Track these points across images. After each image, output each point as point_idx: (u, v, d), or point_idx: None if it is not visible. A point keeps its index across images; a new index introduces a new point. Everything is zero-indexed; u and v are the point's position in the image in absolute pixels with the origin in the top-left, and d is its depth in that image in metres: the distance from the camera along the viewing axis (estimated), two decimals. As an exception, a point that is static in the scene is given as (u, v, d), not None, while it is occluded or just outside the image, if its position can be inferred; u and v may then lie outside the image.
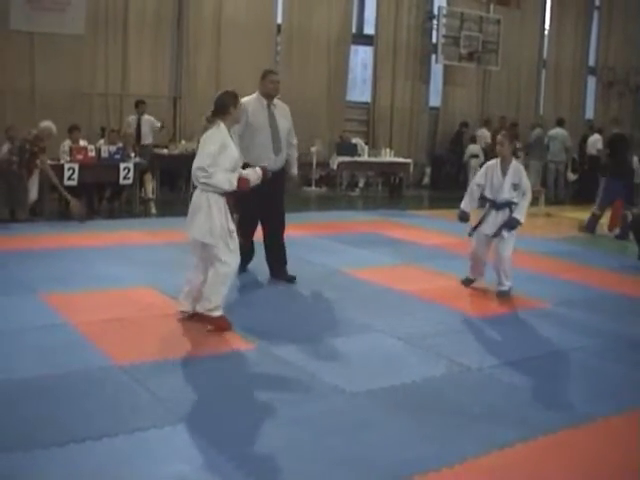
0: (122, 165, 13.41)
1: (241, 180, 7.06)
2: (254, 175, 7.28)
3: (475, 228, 8.90)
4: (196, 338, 6.84)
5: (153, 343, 6.65)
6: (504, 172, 8.62)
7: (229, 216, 7.05)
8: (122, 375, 5.83)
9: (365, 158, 19.01)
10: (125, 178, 13.48)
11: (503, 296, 8.73)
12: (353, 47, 20.72)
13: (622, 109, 26.43)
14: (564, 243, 12.72)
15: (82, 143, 13.70)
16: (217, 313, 7.06)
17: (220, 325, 7.04)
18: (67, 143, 13.53)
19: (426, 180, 21.65)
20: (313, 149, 18.51)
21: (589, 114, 25.74)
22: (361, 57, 21.61)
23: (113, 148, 13.69)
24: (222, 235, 7.02)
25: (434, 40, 21.44)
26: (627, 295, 9.31)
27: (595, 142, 20.67)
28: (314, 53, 19.49)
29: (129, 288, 8.37)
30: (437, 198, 19.42)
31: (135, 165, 13.66)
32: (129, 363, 6.07)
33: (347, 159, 18.52)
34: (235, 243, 7.10)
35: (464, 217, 8.92)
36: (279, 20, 19.17)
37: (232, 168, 7.02)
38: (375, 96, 21.02)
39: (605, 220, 14.20)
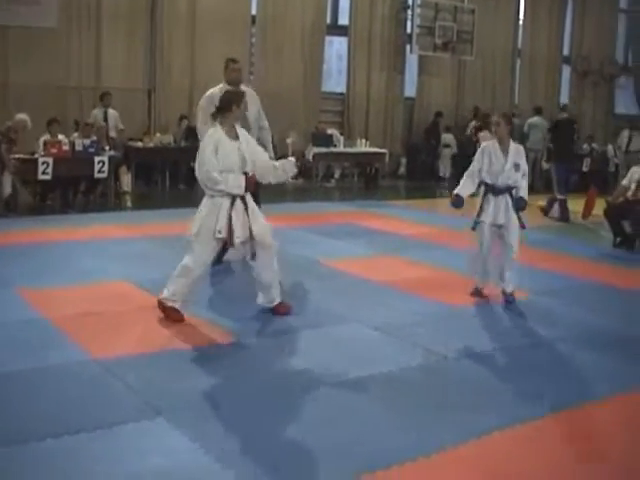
0: (97, 158, 13.34)
1: (249, 179, 7.05)
2: (289, 165, 7.38)
3: (478, 219, 8.22)
4: (173, 331, 6.82)
5: (130, 337, 6.63)
6: (505, 153, 8.16)
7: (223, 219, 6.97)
8: (99, 369, 5.82)
9: (341, 149, 18.98)
10: (100, 171, 13.41)
11: (509, 297, 8.28)
12: (328, 38, 20.68)
13: (596, 98, 26.55)
14: (539, 232, 12.75)
15: (60, 137, 13.62)
16: (170, 303, 7.08)
17: (170, 315, 7.07)
18: (45, 137, 13.42)
19: (402, 170, 21.66)
20: (289, 140, 18.47)
21: (563, 103, 25.79)
22: (336, 48, 21.57)
23: (87, 141, 13.62)
24: (200, 236, 7.06)
25: (409, 30, 21.42)
26: (603, 283, 9.36)
27: None
28: (289, 44, 19.44)
29: (105, 282, 8.34)
30: (413, 188, 19.46)
31: (110, 158, 13.60)
32: (106, 357, 6.05)
33: (323, 150, 18.48)
34: (211, 247, 7.13)
35: (458, 203, 8.21)
36: (253, 11, 19.11)
37: (227, 168, 6.94)
38: (350, 87, 21.00)
39: (579, 208, 14.26)
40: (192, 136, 16.61)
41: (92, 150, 13.53)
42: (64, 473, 4.29)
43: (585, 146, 21.64)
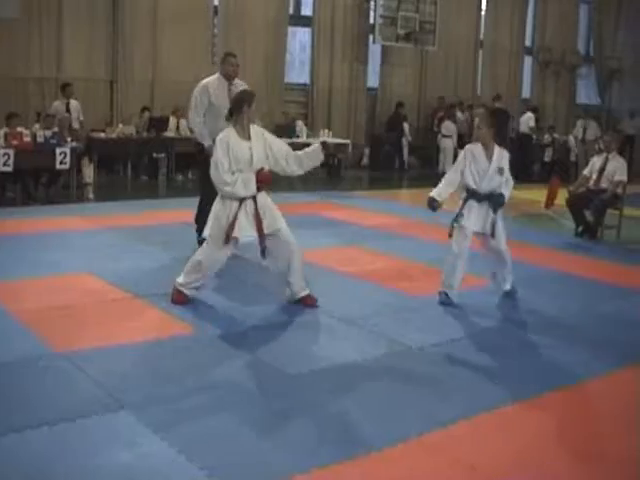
0: (58, 150, 13.22)
1: (262, 175, 7.16)
2: (315, 152, 7.53)
3: (456, 221, 7.86)
4: (136, 323, 6.81)
5: (93, 329, 6.60)
6: (489, 157, 7.82)
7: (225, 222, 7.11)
8: (63, 362, 5.79)
9: (304, 139, 18.94)
10: (62, 163, 13.29)
11: (512, 292, 8.20)
12: (291, 29, 20.62)
13: (558, 89, 26.72)
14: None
15: (19, 129, 13.49)
16: (180, 288, 7.37)
17: (174, 297, 7.37)
18: (4, 130, 13.29)
19: (365, 161, 21.67)
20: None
21: (526, 93, 25.95)
22: (299, 39, 21.52)
23: (49, 133, 13.51)
24: (213, 236, 7.20)
25: (371, 21, 21.40)
26: (565, 272, 9.44)
27: (527, 120, 20.94)
28: (252, 35, 19.34)
29: (68, 275, 8.28)
30: (376, 178, 19.48)
31: (72, 150, 13.50)
32: (69, 350, 6.02)
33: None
34: (212, 250, 7.25)
35: (434, 206, 7.87)
36: (216, 2, 19.02)
37: (239, 169, 7.04)
38: (314, 77, 20.97)
39: (542, 198, 14.35)
40: (154, 127, 16.63)
41: (54, 142, 13.42)
42: (26, 467, 4.25)
43: (547, 136, 21.77)
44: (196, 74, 18.16)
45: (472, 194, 7.84)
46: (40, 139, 13.38)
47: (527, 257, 9.87)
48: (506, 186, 7.93)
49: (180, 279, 7.38)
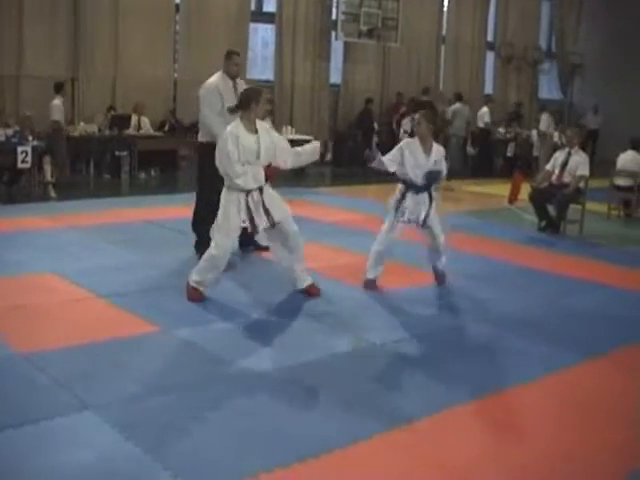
0: (20, 148, 13.12)
1: (269, 169, 7.41)
2: (311, 149, 7.91)
3: (390, 214, 8.17)
4: (100, 323, 6.77)
5: (56, 330, 6.55)
6: (427, 152, 8.04)
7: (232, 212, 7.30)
8: (24, 363, 5.73)
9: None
10: (23, 162, 13.20)
11: (442, 276, 8.50)
12: (253, 25, 20.54)
13: (520, 84, 26.86)
14: (465, 217, 12.89)
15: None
16: (195, 286, 7.51)
17: (190, 294, 7.52)
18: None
19: (328, 157, 21.67)
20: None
21: (488, 89, 26.05)
22: (261, 35, 21.45)
23: (10, 131, 13.41)
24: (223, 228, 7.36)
25: (334, 17, 21.38)
26: (528, 267, 9.48)
27: (483, 115, 21.05)
28: (213, 32, 19.22)
29: (31, 274, 8.20)
30: (339, 175, 19.49)
31: (33, 148, 13.40)
32: (32, 351, 5.97)
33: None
34: (223, 239, 7.37)
35: (369, 158, 7.96)
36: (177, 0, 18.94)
37: (247, 161, 7.22)
38: (277, 74, 20.91)
39: (505, 193, 14.42)
40: (116, 125, 16.52)
41: (15, 140, 13.33)
42: (-10, 470, 4.22)
43: (509, 129, 21.91)
44: (158, 71, 18.19)
45: (411, 186, 8.09)
46: (1, 138, 13.28)
47: (490, 252, 9.92)
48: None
49: (195, 277, 7.51)
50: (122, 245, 9.66)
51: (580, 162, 12.07)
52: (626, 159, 14.11)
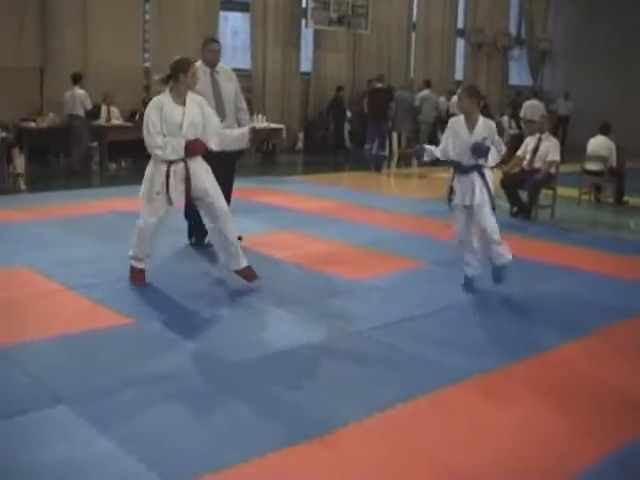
0: (-16, 140, 13.04)
1: (191, 143, 7.27)
2: (239, 135, 7.71)
3: (450, 199, 7.81)
4: (72, 316, 6.73)
5: (28, 323, 6.50)
6: (471, 128, 7.62)
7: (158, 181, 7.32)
8: (-5, 357, 5.69)
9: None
10: (-11, 153, 13.11)
11: (499, 270, 7.94)
12: (223, 13, 20.45)
13: (491, 70, 26.93)
14: (437, 203, 12.88)
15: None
16: (134, 263, 7.65)
17: (133, 276, 7.66)
18: None
19: (299, 145, 21.65)
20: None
21: (459, 75, 26.10)
22: (231, 24, 21.35)
23: (-23, 123, 13.33)
24: (146, 196, 7.46)
25: (304, 4, 21.33)
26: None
27: (455, 103, 21.12)
28: (183, 20, 19.10)
29: (1, 268, 8.14)
30: (311, 163, 19.47)
31: (1, 140, 13.29)
32: (3, 345, 5.91)
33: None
34: (155, 206, 7.41)
35: (419, 153, 7.84)
36: (146, -12, 18.83)
37: (170, 132, 7.20)
38: (253, 62, 20.81)
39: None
40: (86, 116, 16.36)
41: (-18, 132, 13.24)
42: (-38, 466, 4.18)
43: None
44: (128, 61, 18.05)
45: (457, 167, 7.77)
46: (-34, 129, 13.20)
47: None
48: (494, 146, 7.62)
49: (130, 252, 7.60)
50: (93, 236, 9.60)
51: (551, 147, 12.15)
52: (596, 144, 14.17)
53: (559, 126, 24.26)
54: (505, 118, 22.31)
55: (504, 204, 12.44)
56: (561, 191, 12.69)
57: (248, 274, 7.68)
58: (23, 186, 13.54)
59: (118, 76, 16.95)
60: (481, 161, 7.58)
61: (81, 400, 5.02)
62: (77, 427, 4.66)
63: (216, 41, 9.40)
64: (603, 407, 5.33)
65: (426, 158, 7.86)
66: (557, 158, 12.14)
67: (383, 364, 5.90)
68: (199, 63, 8.95)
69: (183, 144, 7.19)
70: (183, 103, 7.26)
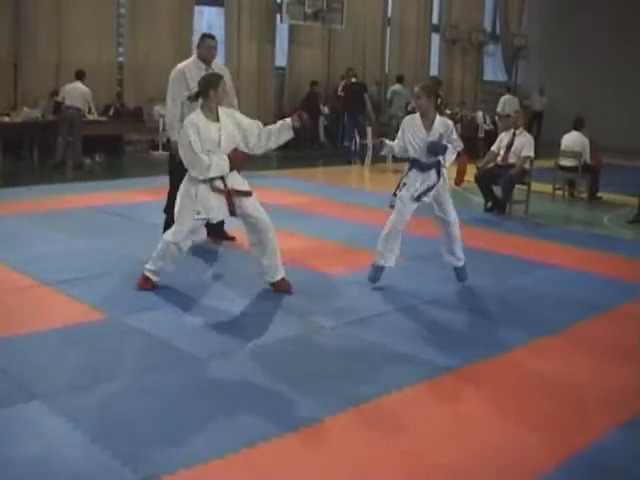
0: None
1: (233, 155, 7.16)
2: (284, 129, 7.52)
3: (395, 194, 7.83)
4: (46, 311, 6.70)
5: (1, 319, 6.45)
6: (428, 127, 7.68)
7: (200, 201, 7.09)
8: (-33, 354, 5.66)
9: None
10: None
11: (462, 273, 8.14)
12: (198, 8, 20.37)
13: (466, 66, 27.02)
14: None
15: None
16: (148, 274, 7.36)
17: (141, 282, 7.38)
18: None
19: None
20: (155, 111, 18.20)
21: (434, 71, 26.15)
22: (207, 19, 21.30)
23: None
24: (183, 216, 7.19)
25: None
26: (475, 247, 9.50)
27: None
28: (158, 15, 19.03)
29: (-27, 262, 8.10)
30: (286, 158, 19.42)
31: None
32: (-25, 340, 5.89)
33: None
34: (193, 227, 7.23)
35: (379, 147, 8.03)
36: (121, -17, 18.73)
37: (210, 150, 7.01)
38: (227, 57, 20.75)
39: (452, 175, 14.46)
40: (60, 111, 16.28)
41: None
42: None
43: (456, 111, 22.05)
44: (102, 55, 17.98)
45: (416, 164, 7.78)
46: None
47: (437, 233, 9.95)
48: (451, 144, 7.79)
49: (150, 265, 7.34)
50: (67, 231, 9.55)
51: (525, 143, 12.20)
52: (570, 140, 14.25)
53: (533, 122, 24.38)
54: (480, 113, 22.39)
55: (479, 200, 12.50)
56: (535, 186, 12.74)
57: (284, 286, 7.54)
58: (-4, 181, 13.47)
59: (92, 71, 16.84)
60: (437, 159, 7.69)
61: (55, 396, 5.00)
62: (51, 423, 4.64)
63: (212, 37, 9.22)
64: (572, 401, 5.38)
65: (383, 152, 8.11)
66: (531, 153, 12.19)
67: (358, 359, 5.91)
68: (193, 59, 8.95)
69: (226, 160, 7.06)
70: (217, 119, 7.10)
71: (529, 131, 13.52)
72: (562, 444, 4.71)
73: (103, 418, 4.74)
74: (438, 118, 7.77)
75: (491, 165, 12.47)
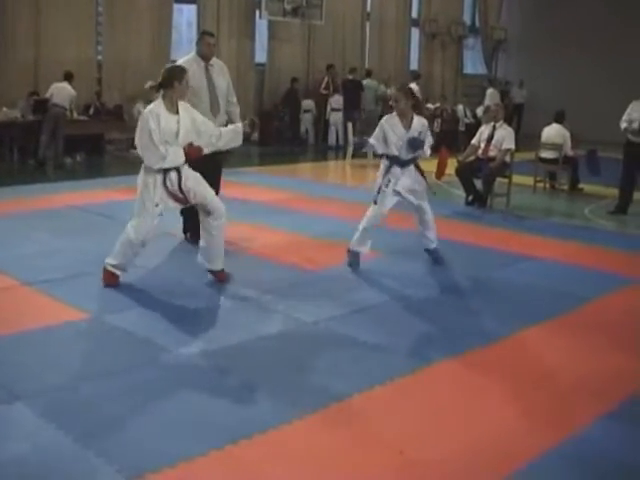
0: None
1: (189, 148, 7.20)
2: (235, 133, 7.69)
3: (379, 191, 8.19)
4: (26, 312, 6.67)
5: (-18, 319, 6.44)
6: (407, 127, 8.15)
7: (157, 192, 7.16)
8: (-51, 355, 5.63)
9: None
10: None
11: (437, 254, 8.62)
12: (177, 6, 20.33)
13: (446, 59, 27.06)
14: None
15: None
16: (111, 269, 7.39)
17: (106, 278, 7.39)
18: None
19: (254, 136, 21.60)
20: (136, 111, 18.17)
21: (414, 65, 26.17)
22: (186, 16, 21.25)
23: None
24: (143, 209, 7.21)
25: (258, -4, 21.29)
26: (457, 241, 9.56)
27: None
28: (137, 13, 18.96)
29: (-46, 264, 8.06)
30: (266, 154, 19.45)
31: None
32: (-43, 342, 5.86)
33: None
34: (152, 219, 7.23)
35: (361, 145, 8.52)
36: (99, -19, 18.65)
37: (167, 141, 7.05)
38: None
39: (432, 169, 14.49)
40: (40, 110, 16.21)
41: None
42: None
43: (437, 105, 22.10)
44: (81, 54, 17.91)
45: (395, 161, 8.19)
46: None
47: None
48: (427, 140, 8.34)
49: (111, 260, 7.36)
50: (47, 231, 9.51)
51: (505, 136, 12.23)
52: (550, 132, 14.31)
53: (514, 114, 24.44)
54: (460, 107, 22.43)
55: (460, 193, 12.52)
56: (516, 179, 12.79)
57: (223, 277, 7.67)
58: (-24, 181, 13.39)
59: (71, 70, 16.77)
60: (418, 153, 8.24)
61: (37, 396, 4.98)
62: (34, 423, 4.62)
63: (212, 34, 9.34)
64: (557, 391, 5.40)
65: (365, 150, 8.56)
66: (512, 146, 12.22)
67: (339, 354, 5.92)
68: (192, 56, 8.95)
69: (181, 152, 7.13)
70: (176, 111, 7.14)
71: (509, 124, 13.53)
72: (547, 434, 4.73)
73: (86, 417, 4.72)
74: (416, 118, 8.27)
75: (472, 158, 12.50)
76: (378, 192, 8.19)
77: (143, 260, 7.73)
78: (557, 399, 5.28)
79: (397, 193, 8.20)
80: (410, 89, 8.53)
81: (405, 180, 8.21)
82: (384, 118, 8.35)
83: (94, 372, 5.43)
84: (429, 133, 8.38)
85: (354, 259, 8.30)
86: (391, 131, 8.12)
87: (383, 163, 8.28)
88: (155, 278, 7.64)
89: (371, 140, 8.28)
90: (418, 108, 8.50)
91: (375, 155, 8.35)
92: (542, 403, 5.21)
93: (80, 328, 6.32)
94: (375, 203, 8.21)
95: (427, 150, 8.32)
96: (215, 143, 7.51)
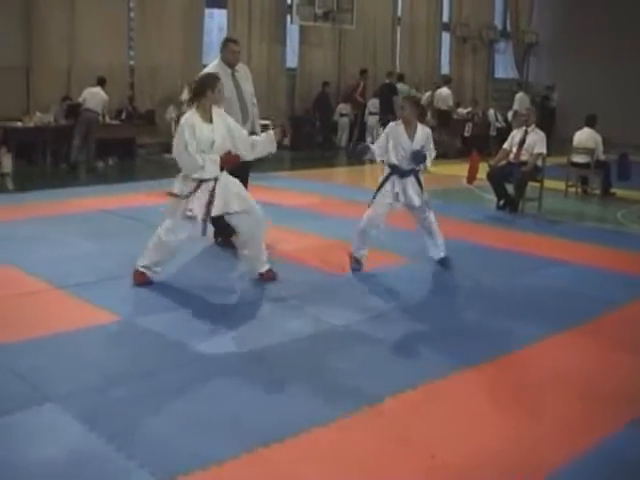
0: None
1: (226, 157, 7.27)
2: (268, 140, 7.70)
3: (375, 195, 8.27)
4: (58, 314, 6.72)
5: (15, 322, 6.48)
6: (411, 136, 8.16)
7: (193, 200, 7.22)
8: (-17, 357, 5.67)
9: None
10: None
11: (446, 263, 8.51)
12: (208, 10, 20.41)
13: (476, 63, 26.98)
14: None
15: None
16: (142, 270, 7.49)
17: (136, 278, 7.49)
18: None
19: (286, 141, 21.61)
20: (168, 116, 18.26)
21: (445, 69, 26.10)
22: (217, 21, 21.31)
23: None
24: (175, 213, 7.32)
25: (289, 1, 21.31)
26: (488, 245, 9.55)
27: (446, 98, 21.25)
28: (168, 17, 19.05)
29: (-12, 267, 8.12)
30: (297, 159, 19.46)
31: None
32: (-10, 344, 5.90)
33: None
34: (185, 224, 7.33)
35: (364, 151, 8.36)
36: (131, -15, 18.75)
37: (203, 151, 7.14)
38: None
39: (464, 173, 14.46)
40: (73, 115, 16.34)
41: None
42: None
43: (469, 110, 22.05)
44: (113, 59, 18.01)
45: (396, 170, 8.17)
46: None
47: (450, 231, 9.89)
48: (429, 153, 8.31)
49: (141, 261, 7.46)
50: (80, 235, 9.57)
51: (537, 140, 12.17)
52: (582, 136, 14.23)
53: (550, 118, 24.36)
54: (491, 111, 22.34)
55: (491, 197, 12.48)
56: (548, 183, 12.72)
57: (270, 275, 7.72)
58: (10, 185, 13.49)
59: (104, 75, 16.87)
60: (419, 167, 8.25)
61: (69, 398, 5.01)
62: (66, 425, 4.65)
63: (235, 41, 9.40)
64: (587, 396, 5.37)
65: (366, 156, 8.42)
66: (544, 150, 12.16)
67: (371, 357, 5.91)
68: (217, 62, 9.01)
69: (219, 161, 7.19)
70: (210, 120, 7.21)
71: (550, 128, 13.47)
72: (577, 439, 4.71)
73: (118, 419, 4.75)
74: (420, 127, 8.27)
75: (503, 163, 12.44)
76: (374, 196, 8.25)
77: (174, 263, 7.77)
78: (589, 403, 5.25)
79: (396, 197, 8.20)
80: (417, 98, 8.68)
81: (404, 191, 8.21)
82: (389, 126, 8.37)
83: (126, 374, 5.46)
84: (432, 145, 8.36)
85: (356, 265, 8.30)
86: (395, 140, 8.14)
87: (385, 170, 8.31)
88: (186, 281, 7.66)
89: (374, 147, 8.28)
90: (422, 117, 8.58)
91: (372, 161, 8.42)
92: (574, 407, 5.19)
93: (111, 330, 6.35)
94: (369, 206, 8.26)
95: (428, 164, 8.29)
96: (250, 152, 7.58)
